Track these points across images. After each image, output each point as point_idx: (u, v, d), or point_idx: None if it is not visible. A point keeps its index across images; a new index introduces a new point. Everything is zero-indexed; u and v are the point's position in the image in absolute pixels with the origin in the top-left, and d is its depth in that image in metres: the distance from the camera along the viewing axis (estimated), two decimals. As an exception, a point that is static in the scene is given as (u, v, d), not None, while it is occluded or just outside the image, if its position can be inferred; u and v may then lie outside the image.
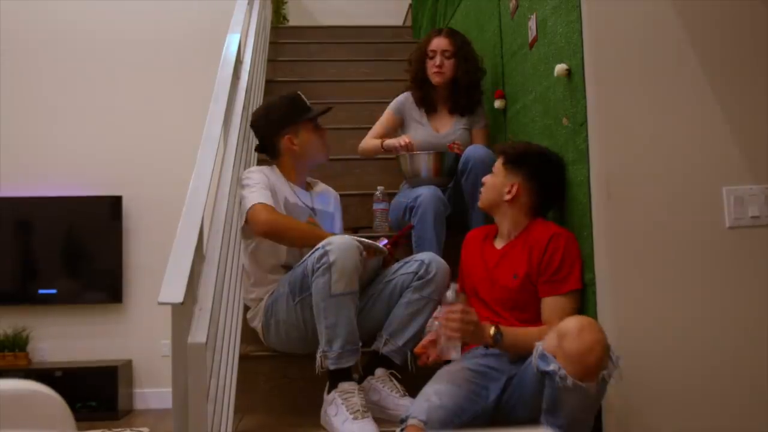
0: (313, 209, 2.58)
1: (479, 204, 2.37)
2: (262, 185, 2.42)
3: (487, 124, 3.19)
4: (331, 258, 2.12)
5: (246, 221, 2.38)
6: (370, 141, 3.20)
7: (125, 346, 5.11)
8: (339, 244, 2.14)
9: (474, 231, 2.47)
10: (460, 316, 1.87)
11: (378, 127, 3.23)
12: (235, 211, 2.40)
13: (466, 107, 3.16)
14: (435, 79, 3.12)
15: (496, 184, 2.29)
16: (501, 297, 2.18)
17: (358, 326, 2.18)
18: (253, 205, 2.35)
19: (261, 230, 2.35)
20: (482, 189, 2.34)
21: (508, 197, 2.26)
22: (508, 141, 2.50)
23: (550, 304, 2.10)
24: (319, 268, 2.14)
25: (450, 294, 1.97)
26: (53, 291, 5.10)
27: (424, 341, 2.13)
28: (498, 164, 2.31)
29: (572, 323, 1.72)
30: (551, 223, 2.27)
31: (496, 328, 1.95)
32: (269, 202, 2.37)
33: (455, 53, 3.11)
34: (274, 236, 2.38)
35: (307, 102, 2.67)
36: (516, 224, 2.26)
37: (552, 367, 1.71)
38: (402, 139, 2.99)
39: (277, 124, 2.59)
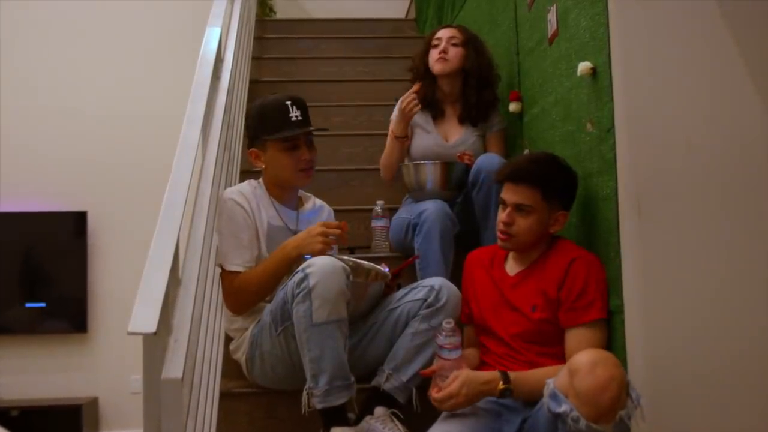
0: (296, 233, 2.51)
1: (505, 247, 2.28)
2: (238, 230, 2.40)
3: (503, 127, 3.16)
4: (311, 282, 2.08)
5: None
6: (386, 151, 3.18)
7: (91, 382, 5.09)
8: (321, 265, 2.10)
9: (476, 252, 2.46)
10: (462, 399, 1.95)
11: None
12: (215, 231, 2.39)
13: (478, 110, 3.10)
14: (436, 68, 3.09)
15: (542, 221, 2.21)
16: (518, 331, 2.18)
17: (357, 359, 2.17)
18: (225, 275, 2.39)
19: (228, 308, 2.43)
20: (511, 231, 2.22)
21: (555, 228, 2.25)
22: (508, 162, 2.39)
23: (573, 337, 2.10)
24: (299, 293, 2.11)
25: (447, 327, 2.01)
26: (9, 319, 5.08)
27: (435, 366, 2.11)
28: (535, 200, 2.19)
29: (584, 357, 1.72)
30: (572, 243, 2.28)
31: (504, 380, 1.96)
32: (243, 260, 2.38)
33: (464, 42, 3.09)
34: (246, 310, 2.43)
35: (293, 113, 2.51)
36: (537, 249, 2.26)
37: (563, 408, 1.70)
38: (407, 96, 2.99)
39: (250, 132, 2.60)
